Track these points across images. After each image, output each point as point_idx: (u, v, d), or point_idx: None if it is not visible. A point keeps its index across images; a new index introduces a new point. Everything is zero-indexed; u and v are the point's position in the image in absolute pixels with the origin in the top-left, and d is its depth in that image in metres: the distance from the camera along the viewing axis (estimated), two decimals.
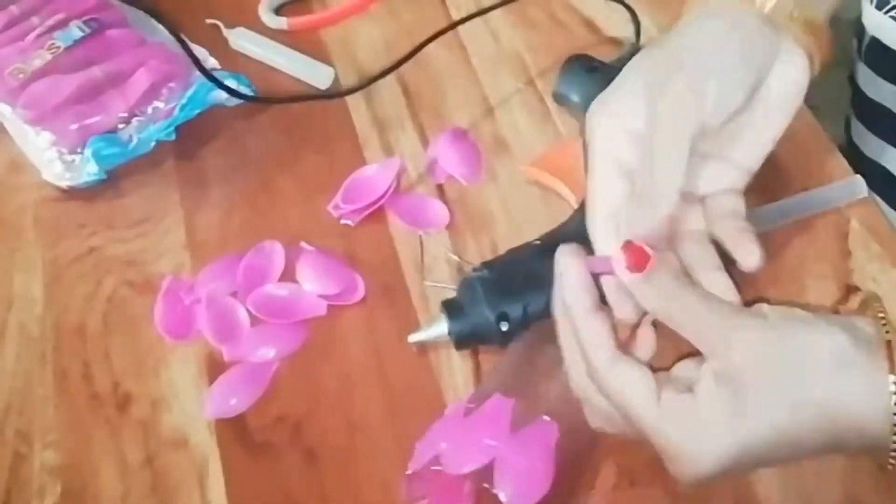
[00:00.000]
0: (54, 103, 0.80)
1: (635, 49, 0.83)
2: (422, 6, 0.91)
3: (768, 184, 0.73)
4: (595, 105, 0.58)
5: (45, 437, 0.67)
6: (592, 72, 0.78)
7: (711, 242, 0.58)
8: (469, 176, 0.78)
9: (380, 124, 0.83)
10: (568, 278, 0.53)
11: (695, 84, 0.55)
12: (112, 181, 0.79)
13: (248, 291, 0.72)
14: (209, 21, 0.90)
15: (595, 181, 0.57)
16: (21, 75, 0.81)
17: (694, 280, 0.55)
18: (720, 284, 0.55)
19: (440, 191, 0.78)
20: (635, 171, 0.56)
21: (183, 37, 0.77)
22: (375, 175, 0.78)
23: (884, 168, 0.89)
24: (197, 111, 0.80)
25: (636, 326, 0.55)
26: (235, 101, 0.82)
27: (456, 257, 0.73)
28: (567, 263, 0.53)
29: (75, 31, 0.84)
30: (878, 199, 0.85)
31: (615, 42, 0.85)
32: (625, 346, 0.53)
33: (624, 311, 0.54)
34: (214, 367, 0.69)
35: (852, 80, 0.92)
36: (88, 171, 0.78)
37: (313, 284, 0.72)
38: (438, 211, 0.76)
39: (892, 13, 0.83)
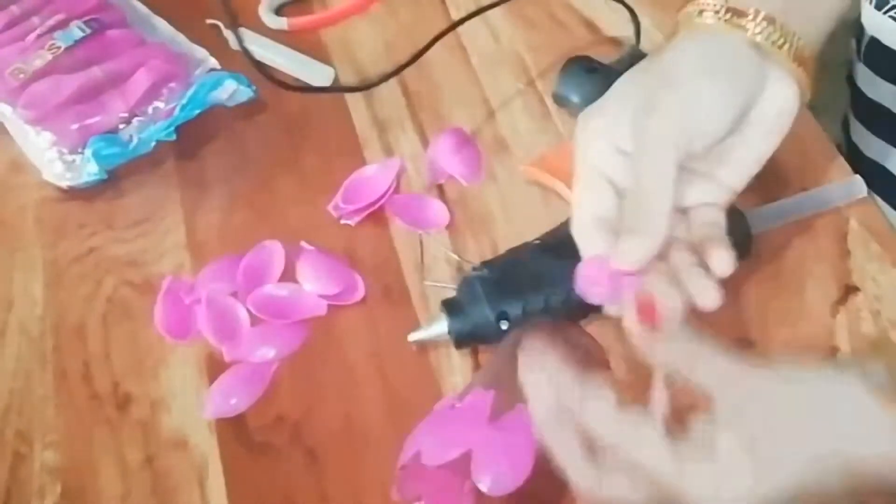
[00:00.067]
0: (55, 103, 0.80)
1: (635, 49, 0.83)
2: (422, 6, 0.91)
3: (768, 184, 0.73)
4: (583, 117, 0.58)
5: (44, 438, 0.67)
6: (592, 73, 0.78)
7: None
8: (469, 176, 0.78)
9: (380, 124, 0.83)
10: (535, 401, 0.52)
11: (681, 110, 0.55)
12: (112, 181, 0.80)
13: (249, 291, 0.72)
14: (209, 21, 0.90)
15: (581, 188, 0.57)
16: (21, 75, 0.81)
17: (680, 283, 0.55)
18: (705, 288, 0.55)
19: (440, 191, 0.78)
20: (621, 187, 0.57)
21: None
22: (375, 175, 0.78)
23: (883, 168, 0.89)
24: (197, 111, 0.80)
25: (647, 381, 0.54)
26: (235, 101, 0.82)
27: (456, 257, 0.73)
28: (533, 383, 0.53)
29: (76, 31, 0.84)
30: (878, 198, 0.85)
31: (615, 42, 0.85)
32: (639, 403, 0.52)
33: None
34: (214, 367, 0.69)
35: (851, 80, 0.92)
36: (89, 171, 0.78)
37: (313, 284, 0.72)
38: (438, 211, 0.76)
39: (891, 13, 0.83)
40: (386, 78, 0.83)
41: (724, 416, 0.49)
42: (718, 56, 0.57)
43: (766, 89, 0.57)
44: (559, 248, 0.62)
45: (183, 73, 0.83)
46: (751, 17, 0.57)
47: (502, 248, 0.71)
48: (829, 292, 0.68)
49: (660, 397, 0.52)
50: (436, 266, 0.73)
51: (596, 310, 0.62)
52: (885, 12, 0.84)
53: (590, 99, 0.77)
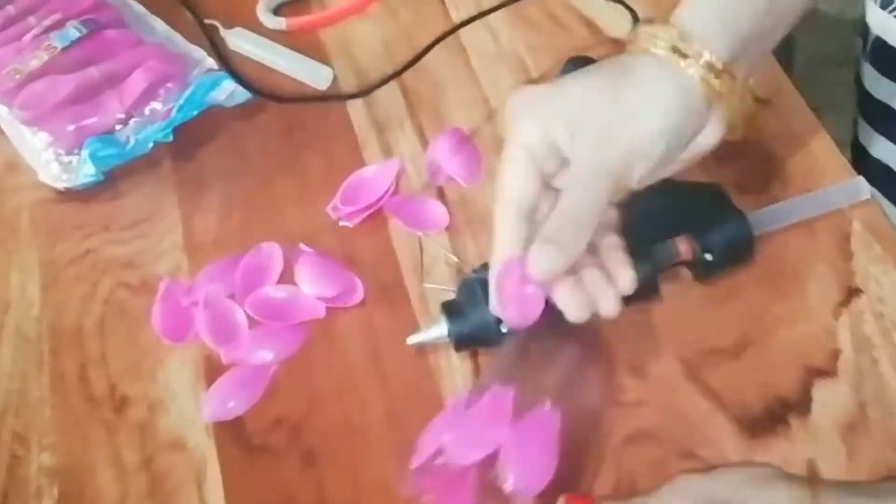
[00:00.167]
0: (51, 104, 0.80)
1: None
2: (421, 6, 0.91)
3: (770, 185, 0.73)
4: (526, 94, 0.59)
5: (42, 440, 0.67)
6: None
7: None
8: (469, 177, 0.78)
9: (379, 125, 0.82)
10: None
11: (629, 144, 0.57)
12: (109, 182, 0.79)
13: (247, 293, 0.71)
14: (207, 21, 0.89)
15: (509, 167, 0.58)
16: (18, 76, 0.81)
17: (584, 292, 0.57)
18: (607, 297, 0.57)
19: (440, 192, 0.77)
20: (545, 173, 0.58)
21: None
22: (374, 176, 0.78)
23: (890, 168, 0.89)
24: (195, 112, 0.80)
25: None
26: (233, 102, 0.82)
27: (455, 258, 0.72)
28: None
29: (72, 31, 0.83)
30: (884, 198, 0.84)
31: (615, 42, 0.85)
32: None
33: None
34: (212, 370, 0.68)
35: (858, 80, 0.92)
36: (85, 172, 0.78)
37: (312, 286, 0.71)
38: (438, 212, 0.76)
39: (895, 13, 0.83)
40: (384, 81, 0.83)
41: None
42: (674, 95, 0.58)
43: (706, 127, 0.59)
44: None
45: (180, 73, 0.82)
46: (700, 59, 0.58)
47: None
48: (831, 294, 0.68)
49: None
50: (435, 268, 0.73)
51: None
52: (890, 11, 0.84)
53: None
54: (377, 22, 0.91)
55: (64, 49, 0.82)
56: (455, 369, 0.67)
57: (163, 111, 0.80)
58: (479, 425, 0.57)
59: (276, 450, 0.65)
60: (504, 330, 0.63)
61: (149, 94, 0.81)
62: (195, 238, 0.76)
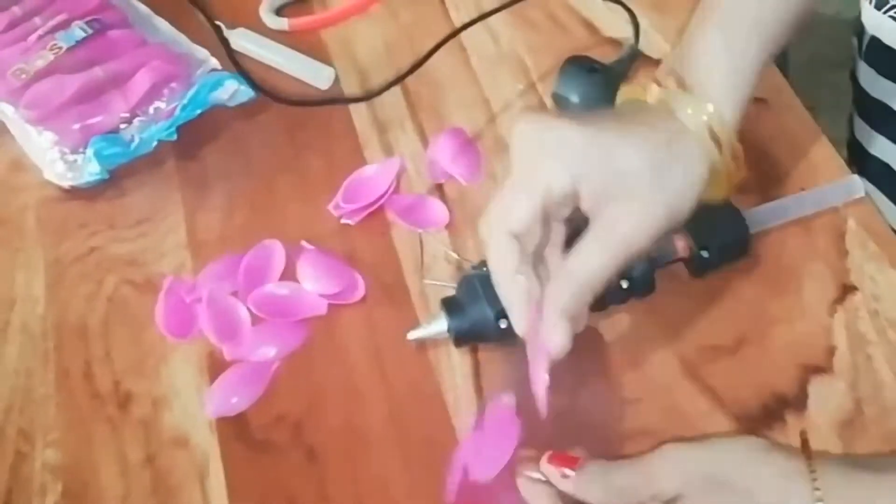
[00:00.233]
0: (56, 103, 0.80)
1: (634, 50, 0.83)
2: (421, 7, 0.91)
3: (766, 183, 0.73)
4: (555, 127, 0.57)
5: (46, 436, 0.67)
6: (592, 73, 0.79)
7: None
8: (469, 176, 0.78)
9: (380, 125, 0.83)
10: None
11: (636, 224, 0.56)
12: (114, 181, 0.80)
13: (249, 291, 0.72)
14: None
15: (518, 197, 0.57)
16: (23, 75, 0.81)
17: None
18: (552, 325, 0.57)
19: (440, 191, 0.78)
20: (550, 212, 0.57)
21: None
22: (375, 175, 0.78)
23: (887, 165, 0.89)
24: (198, 111, 0.81)
25: None
26: (236, 102, 0.82)
27: (455, 256, 0.73)
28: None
29: (77, 31, 0.84)
30: (882, 195, 0.85)
31: (614, 43, 0.85)
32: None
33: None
34: (215, 366, 0.69)
35: (854, 78, 0.92)
36: (90, 170, 0.78)
37: (314, 284, 0.72)
38: (438, 210, 0.76)
39: (891, 13, 0.84)
40: (388, 86, 0.83)
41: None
42: (706, 178, 0.58)
43: None
44: None
45: (184, 73, 0.83)
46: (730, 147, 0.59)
47: None
48: (827, 292, 0.69)
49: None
50: (435, 265, 0.73)
51: (599, 307, 0.62)
52: (884, 12, 0.84)
53: (589, 99, 0.77)
54: (378, 22, 0.91)
55: (69, 49, 0.83)
56: (455, 365, 0.67)
57: (167, 110, 0.81)
58: (491, 441, 0.59)
59: (278, 446, 0.65)
60: (503, 326, 0.64)
61: (153, 93, 0.81)
62: (199, 236, 0.77)
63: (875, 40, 0.86)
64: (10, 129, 0.83)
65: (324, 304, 0.71)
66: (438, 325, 0.66)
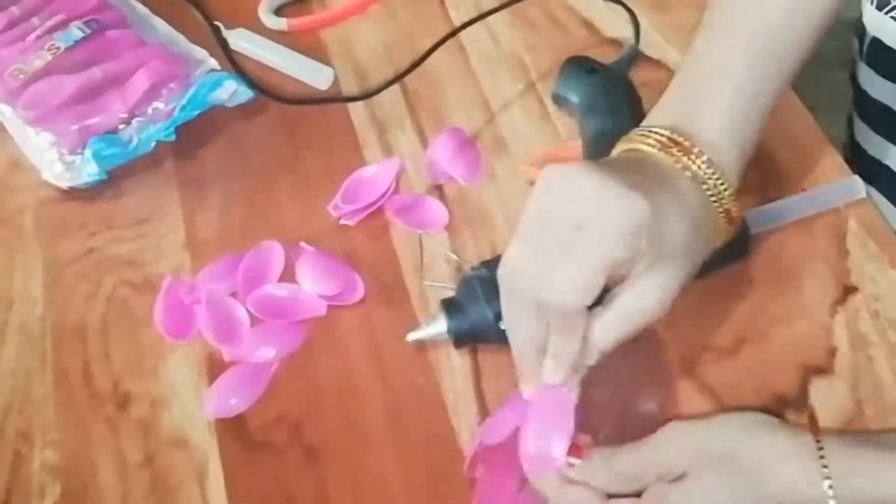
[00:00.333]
0: (55, 104, 0.80)
1: (634, 50, 0.83)
2: (421, 7, 0.91)
3: (767, 184, 0.73)
4: (568, 169, 0.55)
5: (45, 437, 0.67)
6: (591, 73, 0.78)
7: None
8: (468, 176, 0.78)
9: (379, 125, 0.83)
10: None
11: (649, 292, 0.55)
12: (112, 181, 0.80)
13: (248, 291, 0.72)
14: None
15: (517, 242, 0.56)
16: (21, 76, 0.81)
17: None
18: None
19: (439, 191, 0.78)
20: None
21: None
22: (375, 175, 0.78)
23: (886, 167, 0.89)
24: (197, 112, 0.81)
25: None
26: (235, 102, 0.82)
27: (455, 257, 0.73)
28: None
29: (75, 31, 0.84)
30: (882, 197, 0.85)
31: (614, 43, 0.85)
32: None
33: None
34: (214, 367, 0.69)
35: (854, 79, 0.92)
36: (88, 171, 0.78)
37: (313, 284, 0.72)
38: (438, 211, 0.76)
39: (892, 14, 0.84)
40: (387, 84, 0.83)
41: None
42: (718, 237, 0.59)
43: None
44: None
45: (183, 73, 0.83)
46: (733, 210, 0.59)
47: (501, 248, 0.70)
48: (827, 292, 0.68)
49: None
50: (435, 266, 0.73)
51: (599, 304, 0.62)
52: (886, 13, 0.84)
53: (589, 99, 0.77)
54: (377, 22, 0.91)
55: (67, 49, 0.83)
56: (455, 366, 0.67)
57: (165, 111, 0.81)
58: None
59: (277, 447, 0.65)
60: (502, 327, 0.64)
61: (151, 94, 0.81)
62: (197, 237, 0.77)
63: (876, 41, 0.86)
64: (8, 129, 0.83)
65: (323, 305, 0.71)
66: (438, 326, 0.66)
